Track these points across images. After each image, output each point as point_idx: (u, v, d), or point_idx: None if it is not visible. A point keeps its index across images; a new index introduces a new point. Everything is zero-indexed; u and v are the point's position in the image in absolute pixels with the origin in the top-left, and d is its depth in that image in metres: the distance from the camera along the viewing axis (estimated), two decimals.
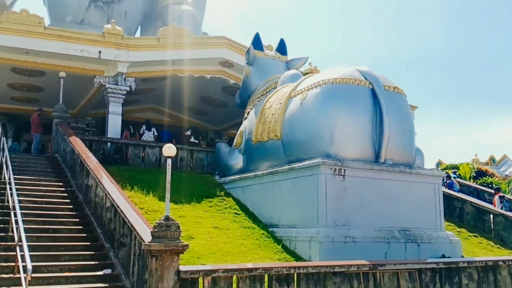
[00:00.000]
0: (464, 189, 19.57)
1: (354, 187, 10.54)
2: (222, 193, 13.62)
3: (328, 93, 11.30)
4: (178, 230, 6.91)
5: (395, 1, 61.60)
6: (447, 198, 15.27)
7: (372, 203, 10.67)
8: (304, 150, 11.24)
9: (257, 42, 15.63)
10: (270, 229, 11.42)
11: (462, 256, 11.33)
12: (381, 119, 11.01)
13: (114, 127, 17.10)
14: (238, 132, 15.07)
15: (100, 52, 16.46)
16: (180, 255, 6.93)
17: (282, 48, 16.18)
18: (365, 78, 11.51)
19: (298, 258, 10.02)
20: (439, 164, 33.62)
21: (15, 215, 8.48)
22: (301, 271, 7.57)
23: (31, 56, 16.28)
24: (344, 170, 10.49)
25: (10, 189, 9.73)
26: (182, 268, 6.85)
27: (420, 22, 61.29)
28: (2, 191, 10.51)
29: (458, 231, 14.20)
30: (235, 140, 15.14)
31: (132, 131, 19.56)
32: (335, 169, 10.42)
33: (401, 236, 10.68)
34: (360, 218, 10.44)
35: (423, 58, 62.72)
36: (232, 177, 14.02)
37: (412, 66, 63.41)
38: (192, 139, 20.28)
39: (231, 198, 13.36)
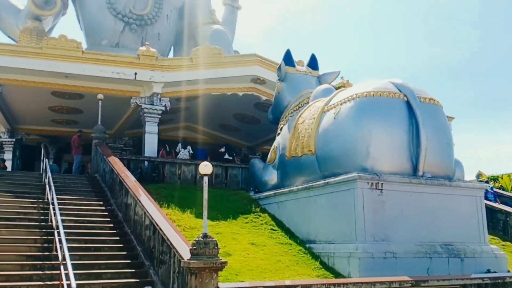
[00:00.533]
0: (507, 201, 18.86)
1: (393, 201, 10.35)
2: (258, 209, 13.63)
3: (362, 106, 11.22)
4: (216, 248, 6.96)
5: (425, 11, 60.80)
6: (489, 210, 14.77)
7: (411, 217, 10.45)
8: (339, 164, 11.15)
9: (288, 59, 15.73)
10: (307, 245, 11.33)
11: (508, 271, 10.89)
12: (417, 131, 10.84)
13: (150, 146, 17.46)
14: (272, 147, 15.12)
15: (135, 73, 16.94)
16: (219, 272, 6.97)
17: (313, 63, 16.22)
18: (399, 91, 11.38)
19: (337, 274, 9.88)
20: (479, 175, 32.58)
21: (59, 235, 8.77)
22: None
23: (70, 80, 16.92)
24: (382, 184, 10.33)
25: (54, 209, 10.09)
26: (221, 285, 6.88)
27: (453, 30, 60.24)
28: (46, 211, 10.90)
29: (503, 245, 13.68)
30: (269, 156, 15.19)
31: (168, 150, 19.92)
32: (372, 183, 10.28)
33: (444, 250, 10.39)
34: (400, 233, 10.23)
35: (457, 67, 61.43)
36: (267, 193, 14.03)
37: (447, 76, 62.16)
38: (226, 156, 20.48)
39: (266, 214, 13.35)
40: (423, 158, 10.74)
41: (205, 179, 7.36)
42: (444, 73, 61.13)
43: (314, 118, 12.62)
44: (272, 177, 14.41)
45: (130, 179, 11.72)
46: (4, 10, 23.02)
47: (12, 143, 21.96)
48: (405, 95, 11.28)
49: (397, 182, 10.50)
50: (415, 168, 10.83)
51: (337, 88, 14.48)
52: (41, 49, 16.15)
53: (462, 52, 58.95)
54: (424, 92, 11.80)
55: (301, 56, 17.30)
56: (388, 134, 10.87)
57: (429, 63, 61.50)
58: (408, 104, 11.17)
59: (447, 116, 13.00)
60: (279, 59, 16.13)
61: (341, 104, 11.80)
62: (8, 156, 21.78)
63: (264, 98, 19.25)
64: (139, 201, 10.15)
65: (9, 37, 24.04)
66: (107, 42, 23.98)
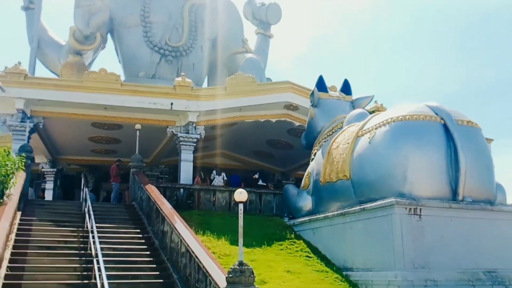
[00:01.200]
0: None
1: (432, 227, 10.07)
2: (292, 236, 13.50)
3: (398, 130, 11.08)
4: (252, 276, 6.93)
5: (461, 30, 59.89)
6: None
7: (452, 243, 10.11)
8: (376, 189, 10.97)
9: (320, 84, 15.80)
10: (344, 273, 11.10)
11: None
12: (456, 154, 10.59)
13: (186, 173, 17.74)
14: (306, 173, 15.06)
15: (172, 103, 17.42)
16: None
17: (346, 88, 16.22)
18: (436, 114, 11.20)
19: None
20: None
21: (98, 263, 8.96)
22: None
23: (109, 111, 17.54)
24: (420, 209, 10.08)
25: (93, 237, 10.35)
26: None
27: (490, 49, 58.94)
28: (85, 239, 11.18)
29: None
30: (303, 182, 15.12)
31: (203, 177, 20.16)
32: (410, 208, 10.05)
33: (487, 278, 9.96)
34: (441, 260, 9.90)
35: (496, 87, 59.83)
36: (302, 219, 13.91)
37: (485, 96, 60.58)
38: (260, 182, 20.52)
39: (301, 241, 13.20)
40: (463, 182, 10.45)
41: (240, 206, 7.41)
42: (482, 94, 59.65)
43: (348, 143, 12.54)
44: (306, 203, 14.31)
45: (166, 207, 11.90)
46: (47, 46, 24.25)
47: (53, 173, 22.79)
48: (442, 118, 11.09)
49: (436, 207, 10.23)
50: (454, 193, 10.54)
51: (371, 113, 14.39)
52: (82, 82, 16.89)
53: (500, 71, 57.50)
54: (461, 115, 11.56)
55: (333, 81, 17.37)
56: (425, 158, 10.66)
57: (466, 84, 60.24)
58: (445, 127, 10.97)
59: (487, 138, 12.66)
60: (310, 84, 16.27)
61: (376, 129, 11.70)
62: (49, 185, 22.60)
63: (297, 124, 19.30)
64: (175, 228, 10.27)
65: (51, 71, 25.25)
66: (144, 74, 24.80)
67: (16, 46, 58.18)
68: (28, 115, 16.75)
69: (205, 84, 28.27)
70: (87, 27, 20.38)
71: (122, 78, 22.09)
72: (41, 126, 17.37)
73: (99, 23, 20.62)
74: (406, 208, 10.03)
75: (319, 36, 68.15)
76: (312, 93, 15.83)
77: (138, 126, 16.98)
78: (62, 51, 23.32)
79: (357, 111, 14.40)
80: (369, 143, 11.64)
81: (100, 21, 20.59)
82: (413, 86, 62.28)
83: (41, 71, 24.29)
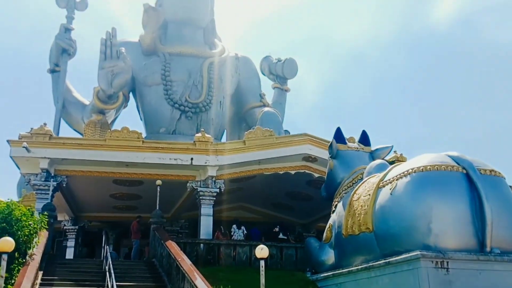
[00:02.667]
0: None
1: (461, 281, 9.69)
2: None
3: (420, 181, 10.95)
4: None
5: (479, 77, 60.02)
6: None
7: None
8: (400, 242, 10.70)
9: (338, 136, 15.87)
10: None
11: None
12: (481, 205, 10.33)
13: (206, 228, 17.68)
14: (327, 226, 14.82)
15: (192, 159, 17.67)
16: None
17: (364, 139, 16.24)
18: (457, 163, 11.09)
19: None
20: None
21: None
22: None
23: (130, 168, 17.86)
24: (447, 262, 9.76)
25: None
26: None
27: (508, 93, 58.61)
28: None
29: None
30: (324, 235, 14.86)
31: (223, 231, 20.02)
32: (437, 261, 9.74)
33: None
34: None
35: None
36: (325, 274, 13.55)
37: (508, 143, 59.66)
38: (281, 235, 20.22)
39: None
40: (490, 232, 10.13)
41: (262, 263, 7.33)
42: (505, 140, 58.80)
43: (369, 194, 12.40)
44: (329, 256, 13.99)
45: (186, 263, 11.79)
46: (71, 106, 25.14)
47: (75, 230, 22.94)
48: (463, 168, 10.95)
49: (463, 260, 9.88)
50: (481, 244, 10.19)
51: (391, 163, 14.31)
52: (105, 141, 17.36)
53: None
54: (483, 164, 11.41)
55: (351, 131, 17.44)
56: (450, 209, 10.42)
57: (486, 130, 59.58)
58: (468, 177, 10.81)
59: (511, 186, 12.39)
60: (328, 134, 16.34)
61: (397, 179, 11.57)
62: (70, 243, 22.67)
63: (316, 175, 19.26)
64: (195, 285, 10.11)
65: (74, 130, 26.01)
66: (164, 130, 25.38)
67: (41, 106, 60.45)
68: (52, 174, 17.15)
69: (224, 138, 28.73)
70: (110, 87, 21.14)
71: (144, 134, 22.67)
72: (64, 185, 17.71)
73: (122, 83, 21.39)
74: (432, 261, 9.72)
75: (334, 86, 69.11)
76: (331, 145, 15.88)
77: (159, 182, 17.16)
78: (86, 111, 24.11)
79: (377, 161, 14.34)
80: (391, 194, 11.49)
81: (123, 81, 21.36)
82: (432, 134, 61.88)
83: (65, 130, 25.04)
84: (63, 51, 23.41)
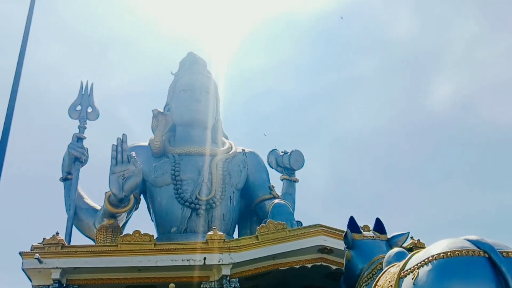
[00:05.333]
0: None
1: None
2: None
3: (442, 269, 10.51)
4: None
5: (490, 158, 60.27)
6: None
7: None
8: None
9: (353, 225, 15.58)
10: None
11: None
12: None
13: None
14: None
15: (204, 258, 17.30)
16: None
17: (379, 226, 15.90)
18: (478, 247, 10.79)
19: None
20: None
21: None
22: None
23: (143, 272, 17.46)
24: None
25: None
26: None
27: None
28: None
29: None
30: None
31: None
32: None
33: None
34: None
35: None
36: None
37: None
38: None
39: None
40: None
41: None
42: None
43: (392, 285, 11.83)
44: None
45: None
46: (83, 212, 25.11)
47: None
48: (485, 252, 10.63)
49: None
50: None
51: (409, 250, 13.94)
52: (117, 246, 17.20)
53: None
54: (505, 246, 11.03)
55: (364, 219, 17.17)
56: None
57: (500, 211, 58.43)
58: (491, 260, 10.47)
59: None
60: (340, 223, 16.13)
61: (418, 268, 11.12)
62: None
63: (334, 267, 18.66)
64: None
65: (86, 235, 25.74)
66: (175, 229, 25.10)
67: (51, 214, 60.64)
68: (64, 285, 16.79)
69: (236, 233, 28.33)
70: (122, 191, 21.29)
71: (155, 235, 22.47)
72: None
73: (132, 187, 21.61)
74: None
75: (343, 173, 69.35)
76: (346, 235, 15.55)
77: (172, 286, 16.66)
78: (97, 216, 24.06)
79: (395, 250, 13.91)
80: (414, 284, 10.99)
81: (133, 184, 21.59)
82: (446, 216, 60.66)
83: (76, 236, 24.87)
84: (75, 159, 24.03)
